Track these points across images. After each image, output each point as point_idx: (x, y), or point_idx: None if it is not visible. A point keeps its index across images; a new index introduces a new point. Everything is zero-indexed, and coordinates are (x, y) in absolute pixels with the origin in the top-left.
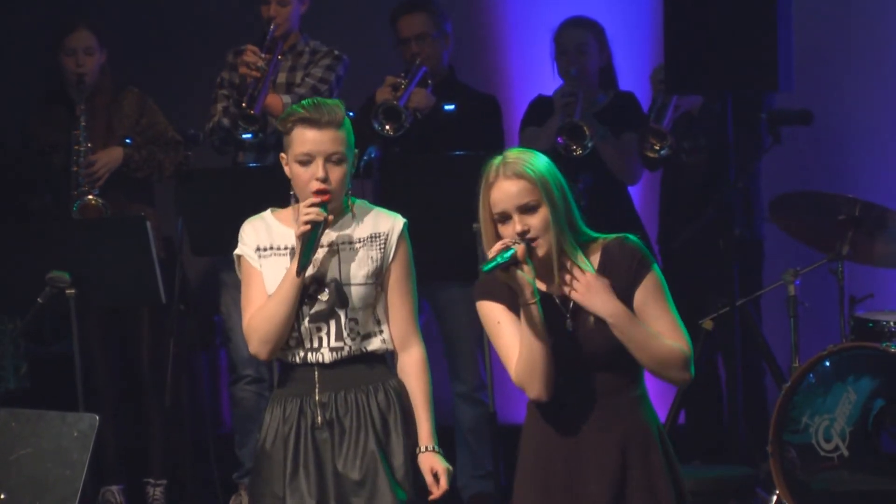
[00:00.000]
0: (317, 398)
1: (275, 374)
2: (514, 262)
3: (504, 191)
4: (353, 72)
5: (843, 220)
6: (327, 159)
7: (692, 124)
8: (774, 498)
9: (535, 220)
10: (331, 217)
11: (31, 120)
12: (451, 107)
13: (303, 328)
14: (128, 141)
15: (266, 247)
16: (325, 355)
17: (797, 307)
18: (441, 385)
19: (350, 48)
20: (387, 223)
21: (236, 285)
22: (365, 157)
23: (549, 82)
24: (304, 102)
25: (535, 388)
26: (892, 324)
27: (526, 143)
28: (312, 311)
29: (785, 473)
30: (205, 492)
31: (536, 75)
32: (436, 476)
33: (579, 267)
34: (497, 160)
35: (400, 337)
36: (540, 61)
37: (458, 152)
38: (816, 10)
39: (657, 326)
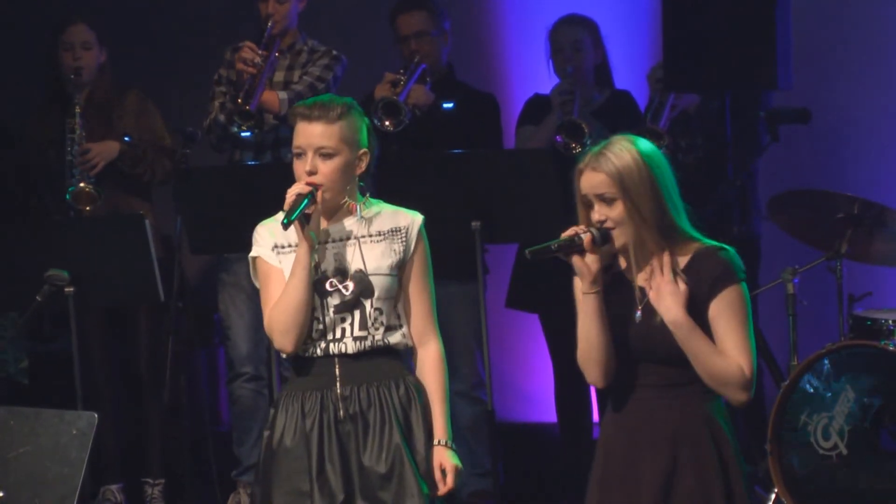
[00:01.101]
0: (338, 391)
1: (273, 371)
2: (576, 248)
3: (587, 179)
4: (350, 70)
5: (841, 218)
6: (316, 152)
7: (689, 123)
8: (773, 496)
9: (613, 212)
10: (320, 195)
11: (30, 120)
12: (450, 105)
13: (327, 319)
14: (126, 139)
15: (284, 244)
16: (349, 345)
17: (796, 305)
18: None
19: (348, 46)
20: (406, 219)
21: (235, 284)
22: None
23: (546, 81)
24: (308, 99)
25: (591, 374)
26: (890, 322)
27: (522, 142)
28: (337, 302)
29: (783, 472)
30: (203, 490)
31: (534, 74)
32: (444, 472)
33: (662, 264)
34: (598, 146)
35: (418, 332)
36: (537, 60)
37: (456, 150)
38: (815, 8)
39: (724, 342)
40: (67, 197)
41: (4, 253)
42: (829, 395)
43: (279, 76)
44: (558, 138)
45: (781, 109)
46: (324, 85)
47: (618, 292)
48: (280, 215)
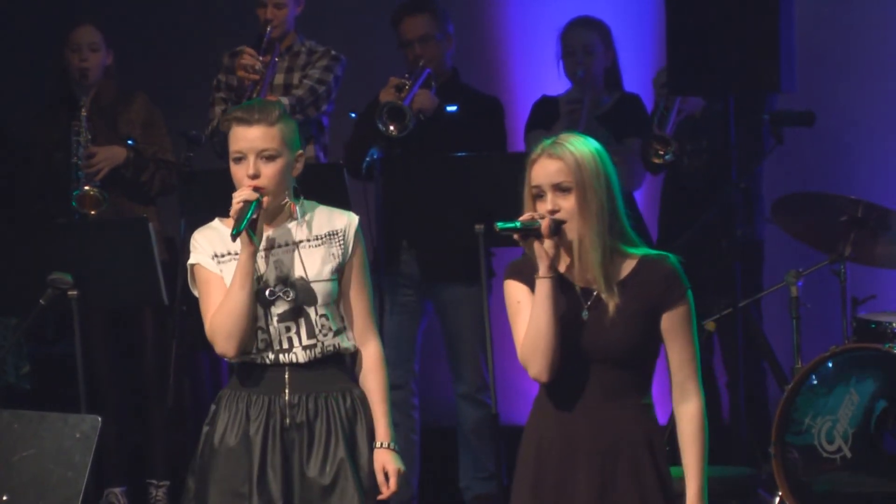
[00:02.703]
0: (286, 398)
1: None
2: (534, 232)
3: (543, 167)
4: (353, 73)
5: (845, 220)
6: (258, 156)
7: (694, 126)
8: (777, 499)
9: (566, 203)
10: (266, 200)
11: (35, 122)
12: (454, 108)
13: (272, 329)
14: (130, 142)
15: (223, 253)
16: (299, 355)
17: (799, 308)
18: (444, 387)
19: (351, 51)
20: (342, 220)
21: None
22: (367, 159)
23: (551, 83)
24: (240, 104)
25: (535, 366)
26: (894, 325)
27: (531, 146)
28: (280, 311)
29: (787, 475)
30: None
31: (539, 76)
32: (387, 476)
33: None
34: (548, 139)
35: (359, 332)
36: (542, 62)
37: (460, 153)
38: (819, 11)
39: (678, 356)
40: (73, 204)
41: (7, 256)
42: (833, 398)
43: (279, 79)
44: None
45: (785, 112)
46: (325, 87)
47: (562, 293)
48: (216, 222)
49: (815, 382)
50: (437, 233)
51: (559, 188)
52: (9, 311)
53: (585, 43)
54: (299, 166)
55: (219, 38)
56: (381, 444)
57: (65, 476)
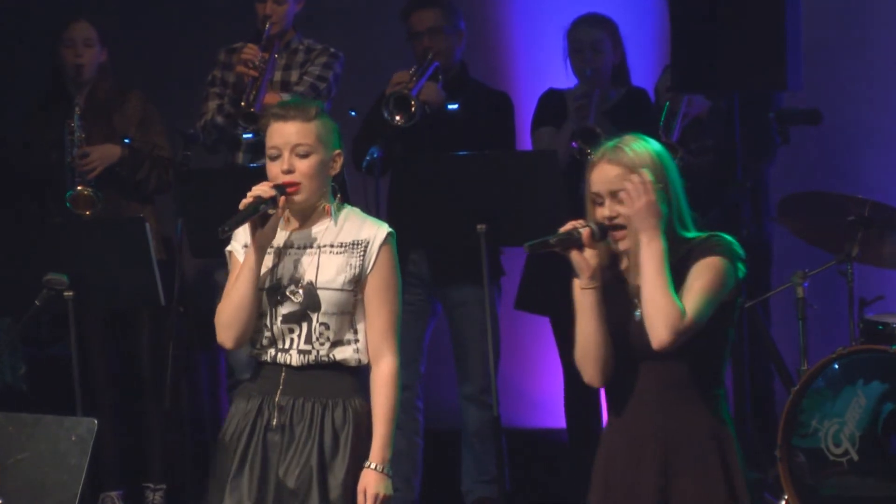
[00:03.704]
0: (276, 399)
1: None
2: (574, 243)
3: (602, 173)
4: (358, 72)
5: (852, 220)
6: (292, 151)
7: (699, 125)
8: (783, 503)
9: (625, 210)
10: (282, 202)
11: (30, 121)
12: (455, 106)
13: (275, 328)
14: (126, 140)
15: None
16: (293, 357)
17: (806, 309)
18: (448, 389)
19: (356, 48)
20: (370, 231)
21: None
22: (367, 158)
23: (557, 78)
24: (280, 102)
25: (588, 372)
26: None
27: (538, 145)
28: (286, 311)
29: (793, 478)
30: (204, 496)
31: (544, 71)
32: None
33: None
34: (613, 141)
35: (373, 347)
36: (547, 57)
37: (465, 151)
38: (825, 7)
39: (683, 294)
40: (68, 205)
41: (3, 256)
42: (840, 400)
43: (277, 76)
44: (574, 144)
45: (791, 110)
46: (325, 84)
47: (616, 292)
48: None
49: (822, 385)
50: (442, 233)
51: (617, 195)
52: (4, 311)
53: (594, 40)
54: (336, 166)
55: (215, 35)
56: (370, 465)
57: (60, 480)
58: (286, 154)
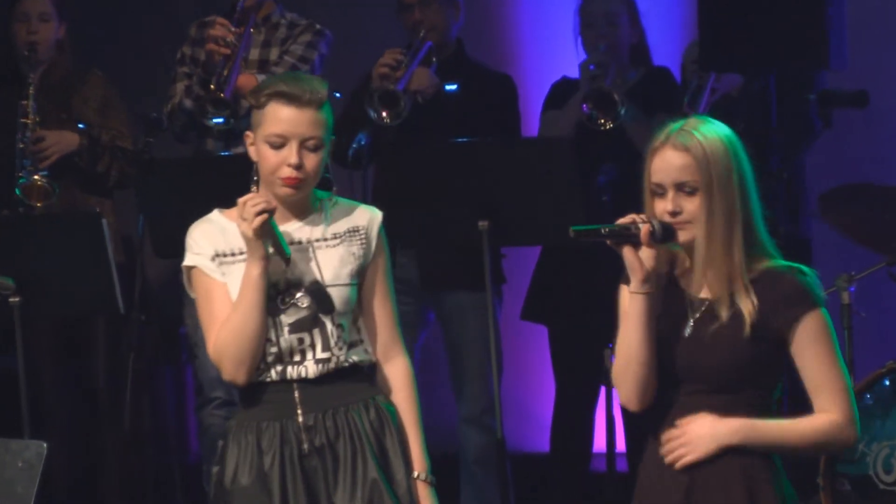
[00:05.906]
0: (300, 421)
1: None
2: (631, 238)
3: (665, 160)
4: (346, 48)
5: None
6: (303, 144)
7: (732, 107)
8: None
9: (691, 205)
10: (274, 204)
11: None
12: (454, 86)
13: (283, 341)
14: (81, 126)
15: (226, 252)
16: (310, 369)
17: (852, 317)
18: (446, 407)
19: (342, 22)
20: (364, 216)
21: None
22: (354, 146)
23: (565, 60)
24: (283, 75)
25: (624, 392)
26: None
27: (545, 128)
28: (292, 319)
29: None
30: None
31: (551, 52)
32: None
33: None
34: (676, 124)
35: (384, 345)
36: (555, 36)
37: (461, 138)
38: None
39: (810, 378)
40: (17, 192)
41: None
42: (891, 420)
43: (254, 54)
44: (585, 108)
45: (835, 92)
46: (308, 66)
47: (667, 304)
48: (215, 214)
49: (871, 403)
50: (438, 231)
51: (683, 188)
52: None
53: (608, 12)
54: (327, 154)
55: (186, 9)
56: (418, 476)
57: None
58: (295, 145)
